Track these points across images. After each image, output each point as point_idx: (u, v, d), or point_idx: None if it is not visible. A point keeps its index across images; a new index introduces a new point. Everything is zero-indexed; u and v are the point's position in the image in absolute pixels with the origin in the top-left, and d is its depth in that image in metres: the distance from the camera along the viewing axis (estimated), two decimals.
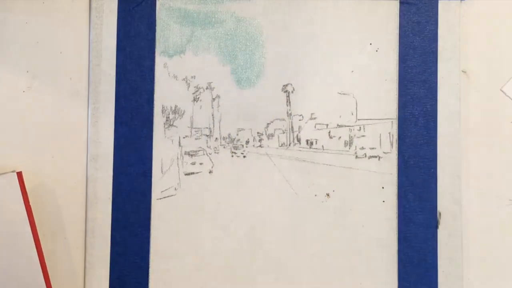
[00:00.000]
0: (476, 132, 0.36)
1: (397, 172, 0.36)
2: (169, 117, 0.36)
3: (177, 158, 0.36)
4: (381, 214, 0.35)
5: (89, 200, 0.35)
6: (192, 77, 0.36)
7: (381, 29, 0.36)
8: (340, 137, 0.36)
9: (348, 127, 0.36)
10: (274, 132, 0.36)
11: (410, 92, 0.36)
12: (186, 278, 0.35)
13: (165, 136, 0.36)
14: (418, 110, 0.36)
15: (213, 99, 0.36)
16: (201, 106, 0.36)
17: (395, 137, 0.36)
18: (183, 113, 0.36)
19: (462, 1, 0.36)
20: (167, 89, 0.36)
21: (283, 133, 0.36)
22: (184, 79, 0.36)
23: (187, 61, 0.36)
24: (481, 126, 0.36)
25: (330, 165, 0.36)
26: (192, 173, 0.36)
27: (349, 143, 0.36)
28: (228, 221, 0.35)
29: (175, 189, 0.36)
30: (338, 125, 0.36)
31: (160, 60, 0.36)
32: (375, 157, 0.36)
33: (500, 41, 0.36)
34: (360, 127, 0.36)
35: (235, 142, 0.36)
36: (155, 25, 0.36)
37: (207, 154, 0.36)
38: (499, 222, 0.36)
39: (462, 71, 0.36)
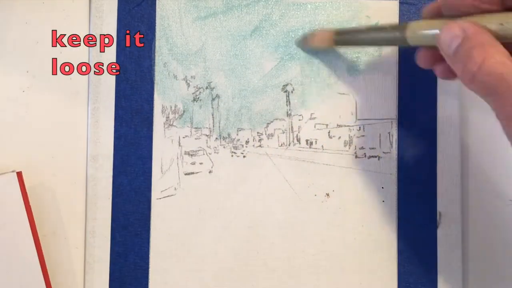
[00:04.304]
0: (476, 132, 0.36)
1: (397, 172, 0.36)
2: (169, 117, 0.36)
3: (177, 158, 0.36)
4: (381, 214, 0.35)
5: (89, 200, 0.35)
6: (192, 77, 0.36)
7: None
8: (340, 137, 0.36)
9: (348, 127, 0.36)
10: (274, 132, 0.36)
11: (410, 92, 0.36)
12: (186, 278, 0.35)
13: (165, 136, 0.36)
14: (418, 110, 0.36)
15: (213, 99, 0.36)
16: (201, 106, 0.36)
17: (395, 137, 0.36)
18: (183, 113, 0.36)
19: None
20: (167, 89, 0.36)
21: (283, 133, 0.36)
22: (184, 79, 0.36)
23: (187, 61, 0.36)
24: (482, 126, 0.36)
25: (330, 165, 0.36)
26: (192, 173, 0.36)
27: (348, 143, 0.36)
28: (228, 221, 0.35)
29: (175, 189, 0.36)
30: (338, 125, 0.36)
31: (160, 60, 0.36)
32: (375, 157, 0.36)
33: None
34: (359, 127, 0.36)
35: (235, 142, 0.36)
36: (155, 25, 0.36)
37: (207, 154, 0.36)
38: (499, 222, 0.36)
39: None
